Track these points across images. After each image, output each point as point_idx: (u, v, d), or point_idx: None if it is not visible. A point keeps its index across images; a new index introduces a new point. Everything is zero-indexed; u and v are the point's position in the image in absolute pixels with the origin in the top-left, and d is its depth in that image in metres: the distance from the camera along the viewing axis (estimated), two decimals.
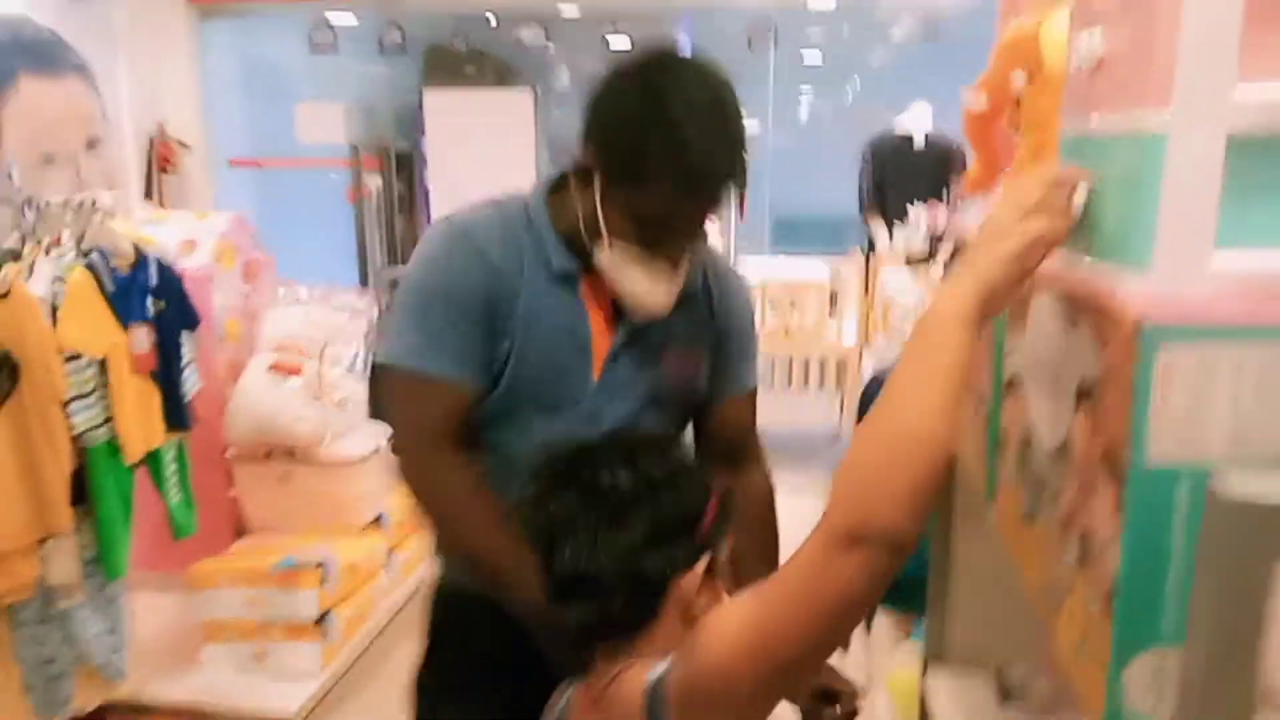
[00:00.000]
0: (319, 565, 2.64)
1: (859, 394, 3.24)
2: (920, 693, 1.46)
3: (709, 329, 1.28)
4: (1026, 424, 0.87)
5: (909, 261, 2.34)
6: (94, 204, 1.95)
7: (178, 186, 4.88)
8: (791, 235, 7.68)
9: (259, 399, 2.75)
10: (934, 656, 1.49)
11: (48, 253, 1.89)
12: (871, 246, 4.89)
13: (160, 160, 4.78)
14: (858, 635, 1.74)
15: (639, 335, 1.20)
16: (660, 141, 1.04)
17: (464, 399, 1.17)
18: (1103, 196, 0.70)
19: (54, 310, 1.85)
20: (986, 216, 0.73)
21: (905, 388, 0.72)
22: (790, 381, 4.86)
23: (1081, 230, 0.73)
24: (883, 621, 2.29)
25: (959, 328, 0.70)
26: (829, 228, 6.48)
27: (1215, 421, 0.57)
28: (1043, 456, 0.82)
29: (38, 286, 1.84)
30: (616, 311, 1.19)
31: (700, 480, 1.00)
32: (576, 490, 0.94)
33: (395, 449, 1.19)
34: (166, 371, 2.05)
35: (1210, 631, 0.54)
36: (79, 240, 1.92)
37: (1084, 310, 0.68)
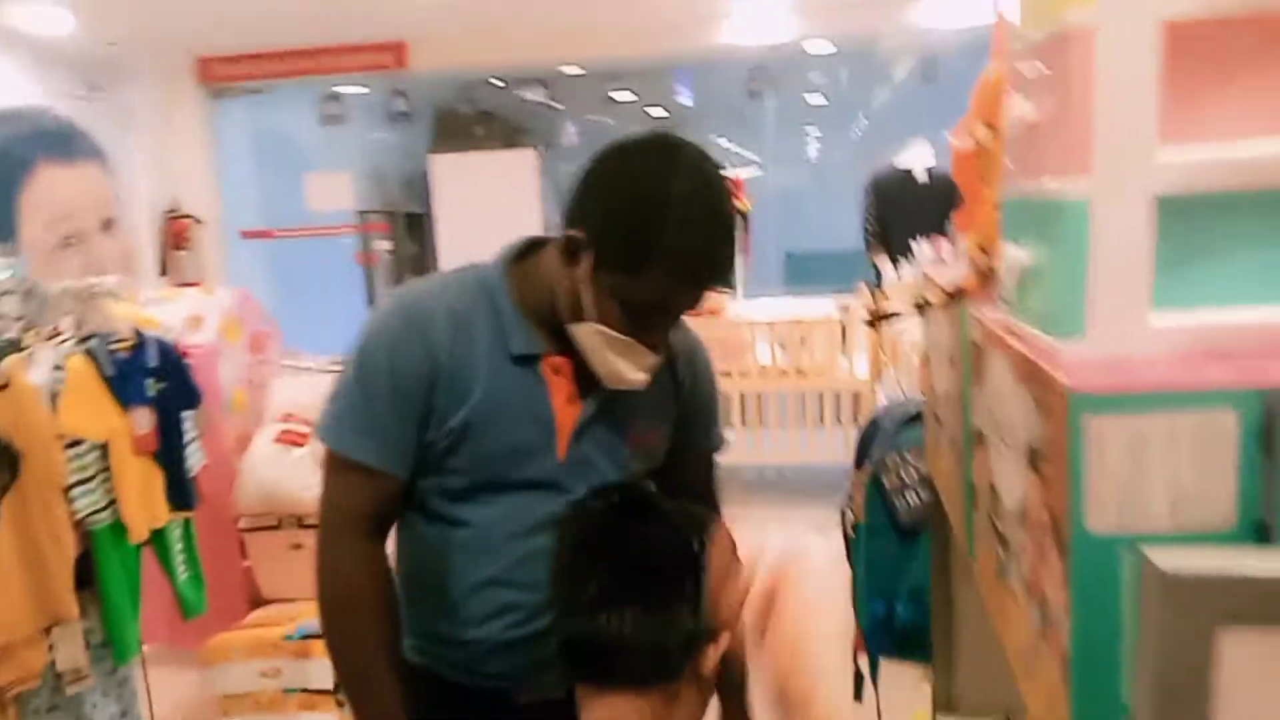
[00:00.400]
0: None
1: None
2: None
3: (673, 400, 1.27)
4: (992, 480, 0.85)
5: (872, 323, 2.31)
6: (95, 289, 1.98)
7: (192, 261, 4.98)
8: (802, 272, 7.69)
9: (266, 469, 2.78)
10: (942, 706, 1.46)
11: (49, 340, 1.92)
12: (879, 281, 4.88)
13: (174, 238, 4.89)
14: (866, 689, 1.71)
15: (604, 411, 1.19)
16: (660, 232, 1.04)
17: (386, 487, 1.17)
18: (1040, 261, 0.70)
19: (55, 397, 1.88)
20: None
21: None
22: (804, 418, 4.84)
23: (1023, 294, 0.73)
24: (903, 670, 2.23)
25: None
26: (840, 263, 6.49)
27: (1153, 491, 0.56)
28: (1007, 514, 0.80)
29: (38, 374, 1.86)
30: (581, 386, 1.18)
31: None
32: (618, 555, 0.95)
33: (318, 523, 1.20)
34: (168, 451, 2.07)
35: (1156, 709, 0.52)
36: (79, 326, 1.95)
37: (1025, 376, 0.67)
